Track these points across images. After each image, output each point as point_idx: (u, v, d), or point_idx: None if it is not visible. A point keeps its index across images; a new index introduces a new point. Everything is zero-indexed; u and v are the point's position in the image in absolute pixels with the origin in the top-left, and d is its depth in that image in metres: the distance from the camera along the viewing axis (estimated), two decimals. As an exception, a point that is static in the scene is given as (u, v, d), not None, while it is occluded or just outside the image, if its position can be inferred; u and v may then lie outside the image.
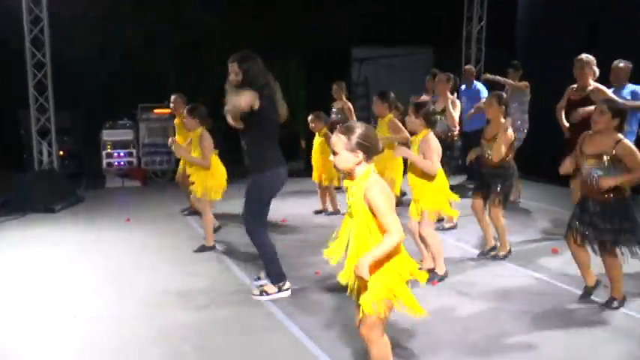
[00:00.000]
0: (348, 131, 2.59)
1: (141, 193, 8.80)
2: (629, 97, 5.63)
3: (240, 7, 10.51)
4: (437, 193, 4.37)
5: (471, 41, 10.92)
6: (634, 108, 5.34)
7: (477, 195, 5.13)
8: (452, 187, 4.66)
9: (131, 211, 7.27)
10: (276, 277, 4.21)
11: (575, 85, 5.64)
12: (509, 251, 5.10)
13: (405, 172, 5.11)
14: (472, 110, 7.11)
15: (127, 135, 9.44)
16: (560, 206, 6.63)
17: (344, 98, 7.89)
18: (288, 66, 11.33)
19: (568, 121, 5.60)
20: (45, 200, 7.23)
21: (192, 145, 5.47)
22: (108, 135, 9.36)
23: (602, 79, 5.70)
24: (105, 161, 9.30)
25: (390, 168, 5.69)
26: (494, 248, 5.15)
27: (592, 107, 4.32)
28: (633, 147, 3.72)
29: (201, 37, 10.39)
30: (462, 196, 5.11)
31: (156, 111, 9.57)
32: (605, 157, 3.71)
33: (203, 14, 10.31)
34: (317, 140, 6.85)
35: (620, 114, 3.76)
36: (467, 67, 8.32)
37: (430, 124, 4.39)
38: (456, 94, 6.85)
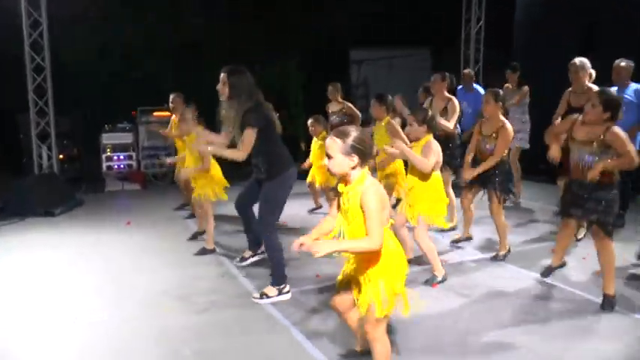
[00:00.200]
0: (342, 135, 2.58)
1: (141, 196, 8.79)
2: (632, 96, 5.63)
3: (241, 6, 10.52)
4: (434, 200, 4.40)
5: (470, 42, 10.92)
6: None
7: (467, 190, 5.22)
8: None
9: (131, 214, 7.27)
10: (280, 279, 4.23)
11: (571, 89, 5.63)
12: (509, 251, 5.11)
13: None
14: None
15: (126, 138, 9.43)
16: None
17: (339, 99, 7.81)
18: (288, 66, 11.33)
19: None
20: (45, 204, 7.23)
21: (189, 153, 5.50)
22: (107, 138, 9.35)
23: (602, 80, 5.69)
24: (105, 164, 9.29)
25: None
26: (468, 239, 5.52)
27: None
28: (622, 133, 3.75)
29: (200, 37, 10.39)
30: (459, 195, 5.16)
31: (155, 114, 9.55)
32: (594, 144, 3.78)
33: (203, 15, 10.31)
34: (315, 144, 6.85)
35: (611, 107, 3.77)
36: (465, 71, 8.29)
37: (432, 129, 4.43)
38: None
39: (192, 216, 6.81)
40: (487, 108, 4.94)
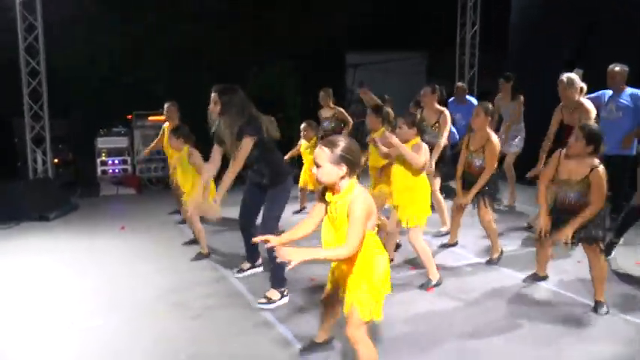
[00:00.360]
0: (331, 144, 2.59)
1: (135, 200, 8.77)
2: (629, 101, 5.65)
3: (240, 6, 10.52)
4: (420, 202, 4.44)
5: (465, 46, 10.96)
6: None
7: (460, 210, 5.36)
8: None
9: (126, 218, 7.25)
10: (280, 281, 4.27)
11: (562, 104, 5.61)
12: (502, 253, 5.17)
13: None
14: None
15: (121, 142, 9.41)
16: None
17: (331, 105, 7.82)
18: (284, 69, 11.32)
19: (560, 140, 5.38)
20: (39, 208, 7.20)
21: (180, 165, 5.54)
22: (102, 142, 9.32)
23: (599, 83, 5.71)
24: (99, 169, 9.26)
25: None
26: (455, 244, 5.60)
27: None
28: (604, 178, 3.78)
29: (197, 40, 10.36)
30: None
31: (150, 118, 9.54)
32: (579, 184, 3.84)
33: (201, 17, 10.29)
34: (304, 147, 7.02)
35: (593, 140, 3.82)
36: (459, 84, 8.30)
37: (421, 132, 4.49)
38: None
39: (184, 221, 6.78)
40: (476, 120, 4.99)
